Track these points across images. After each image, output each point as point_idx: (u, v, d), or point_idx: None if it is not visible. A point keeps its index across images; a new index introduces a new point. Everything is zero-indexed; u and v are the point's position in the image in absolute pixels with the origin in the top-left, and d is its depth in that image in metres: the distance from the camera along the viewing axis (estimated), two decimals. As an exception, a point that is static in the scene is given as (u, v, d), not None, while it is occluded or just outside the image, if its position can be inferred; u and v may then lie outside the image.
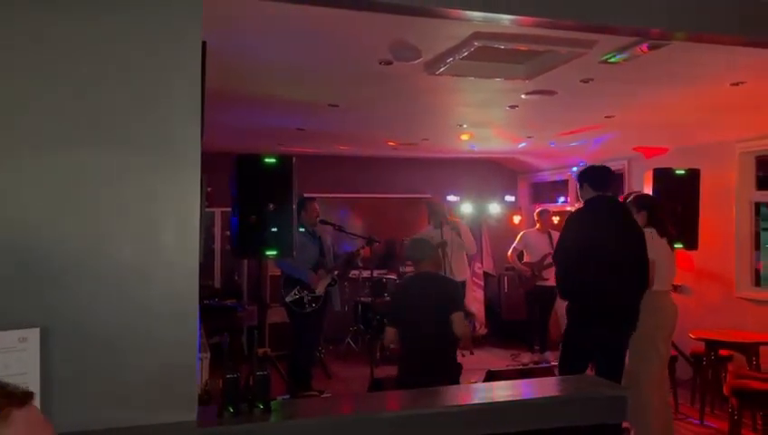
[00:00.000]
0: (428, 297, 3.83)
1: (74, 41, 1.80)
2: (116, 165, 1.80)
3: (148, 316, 1.81)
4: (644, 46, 3.23)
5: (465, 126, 5.91)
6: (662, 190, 5.77)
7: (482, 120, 5.61)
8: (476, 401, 2.23)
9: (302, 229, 5.72)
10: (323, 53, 3.49)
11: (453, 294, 3.88)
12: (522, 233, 7.77)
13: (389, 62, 3.53)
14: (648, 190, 5.89)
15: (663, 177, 5.80)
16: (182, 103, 1.88)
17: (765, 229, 8.87)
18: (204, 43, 2.21)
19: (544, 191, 9.36)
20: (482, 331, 8.63)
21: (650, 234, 4.12)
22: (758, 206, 6.52)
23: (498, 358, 7.80)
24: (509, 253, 7.73)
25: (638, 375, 3.89)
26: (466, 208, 8.87)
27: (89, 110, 1.80)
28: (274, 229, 4.56)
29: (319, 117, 5.38)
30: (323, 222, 5.99)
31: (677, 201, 5.79)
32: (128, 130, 1.82)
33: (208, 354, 4.48)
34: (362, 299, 7.77)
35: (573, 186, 8.70)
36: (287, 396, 5.11)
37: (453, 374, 3.99)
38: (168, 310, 1.84)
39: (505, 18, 2.58)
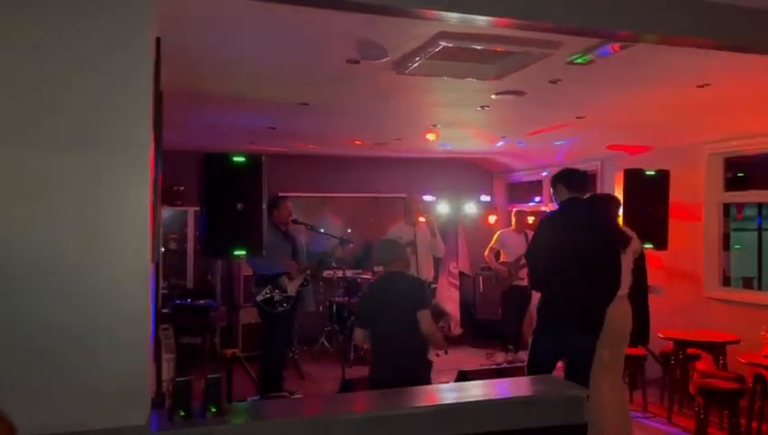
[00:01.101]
0: (397, 297, 3.82)
1: (17, 41, 1.75)
2: (60, 165, 1.76)
3: (94, 318, 1.77)
4: (616, 45, 3.25)
5: (438, 126, 5.90)
6: (633, 191, 5.84)
7: (454, 120, 5.61)
8: (436, 403, 2.22)
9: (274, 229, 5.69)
10: (290, 52, 3.46)
11: (419, 292, 3.87)
12: (498, 232, 7.79)
13: (357, 61, 3.51)
14: (620, 191, 5.95)
15: (633, 178, 5.87)
16: (130, 102, 1.84)
17: (735, 230, 9.02)
18: (158, 40, 2.17)
19: (519, 191, 9.41)
20: (457, 331, 8.63)
21: None
22: (727, 207, 6.62)
23: (473, 357, 7.81)
24: (486, 252, 7.74)
25: (595, 378, 3.89)
26: (442, 208, 8.87)
27: (32, 109, 1.76)
28: (243, 229, 4.53)
29: (290, 116, 5.35)
30: (295, 222, 5.94)
31: (648, 202, 5.85)
32: (72, 129, 1.78)
33: (174, 355, 4.42)
34: (337, 299, 7.75)
35: (548, 186, 8.77)
36: (257, 397, 5.06)
37: (423, 373, 3.99)
38: (116, 312, 1.80)
39: (473, 18, 2.60)
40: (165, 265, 7.75)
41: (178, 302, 7.04)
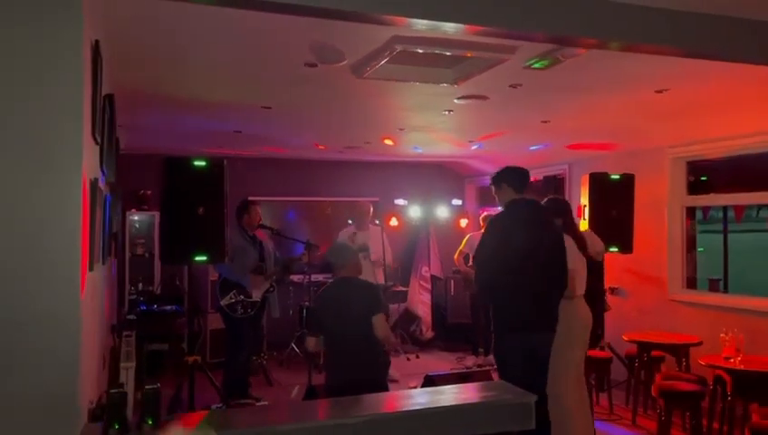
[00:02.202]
0: (348, 303, 3.79)
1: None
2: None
3: (20, 328, 1.71)
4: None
5: (404, 130, 5.89)
6: (598, 195, 5.88)
7: (420, 124, 5.60)
8: (378, 412, 2.19)
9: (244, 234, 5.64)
10: (247, 55, 3.42)
11: (372, 296, 3.84)
12: (468, 236, 7.80)
13: (314, 65, 3.48)
14: (585, 195, 5.99)
15: (598, 181, 5.91)
16: (62, 105, 1.79)
17: (704, 232, 9.13)
18: (97, 43, 2.12)
19: (491, 195, 9.40)
20: (428, 334, 8.63)
21: (566, 239, 4.13)
22: (693, 209, 6.70)
23: (443, 361, 7.80)
24: (455, 256, 7.75)
25: (556, 380, 3.90)
26: (414, 212, 8.87)
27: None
28: (205, 234, 4.46)
29: (254, 119, 5.30)
30: (262, 226, 5.88)
31: (613, 206, 5.90)
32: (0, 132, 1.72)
33: (133, 364, 4.33)
34: (306, 304, 7.68)
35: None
36: (220, 405, 4.99)
37: (380, 376, 3.96)
38: (44, 322, 1.74)
39: (440, 25, 2.60)
40: (132, 271, 7.65)
41: (144, 308, 6.92)
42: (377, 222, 6.92)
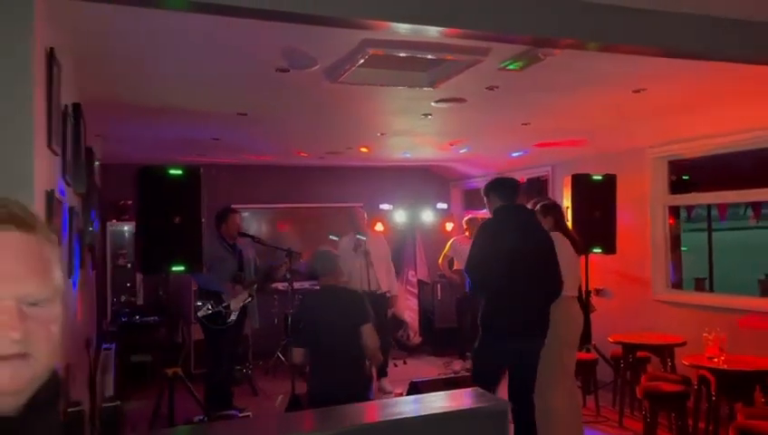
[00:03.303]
0: (334, 311, 3.73)
1: None
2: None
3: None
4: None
5: (385, 134, 5.85)
6: (580, 196, 5.87)
7: (401, 128, 5.57)
8: (351, 425, 2.13)
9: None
10: (218, 60, 3.37)
11: (359, 306, 3.78)
12: (451, 240, 7.76)
13: (286, 70, 3.43)
14: (568, 195, 5.98)
15: (581, 182, 5.91)
16: (7, 116, 1.73)
17: (690, 231, 9.14)
18: (51, 50, 2.07)
19: (476, 198, 9.40)
20: (416, 339, 8.57)
21: (557, 237, 4.12)
22: (677, 209, 6.71)
23: (431, 366, 7.74)
24: (440, 260, 7.71)
25: (547, 381, 3.87)
26: (399, 216, 8.83)
27: None
28: (182, 243, 4.40)
29: (231, 127, 5.24)
30: (242, 235, 5.81)
31: (595, 206, 5.89)
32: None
33: (111, 376, 4.26)
34: (292, 312, 7.60)
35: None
36: (202, 417, 4.91)
37: (364, 387, 3.91)
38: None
39: (422, 29, 2.57)
40: (114, 282, 7.55)
41: (126, 319, 6.83)
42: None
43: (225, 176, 8.17)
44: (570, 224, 5.82)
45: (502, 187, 4.03)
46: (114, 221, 7.56)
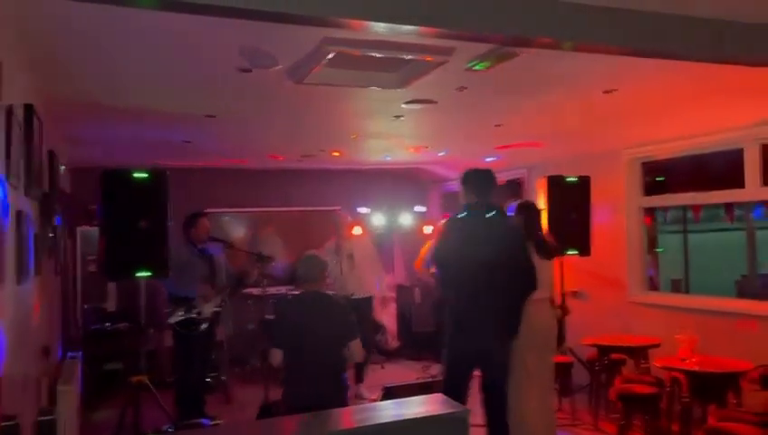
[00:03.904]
0: (317, 320, 3.65)
1: None
2: None
3: None
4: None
5: (358, 137, 5.79)
6: (555, 197, 5.85)
7: (372, 130, 5.51)
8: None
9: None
10: (180, 60, 3.28)
11: (347, 319, 3.72)
12: (429, 243, 7.70)
13: (248, 70, 3.36)
14: (543, 197, 5.95)
15: (555, 184, 5.89)
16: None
17: (667, 233, 9.17)
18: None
19: (455, 201, 9.36)
20: (394, 344, 8.51)
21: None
22: (654, 210, 6.71)
23: (409, 370, 7.68)
24: (416, 262, 7.64)
25: (515, 384, 3.83)
26: (377, 220, 8.78)
27: None
28: (147, 248, 4.31)
29: (201, 129, 5.15)
30: (213, 239, 5.71)
31: (570, 208, 5.88)
32: None
33: (71, 387, 4.13)
34: (269, 317, 7.50)
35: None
36: (170, 427, 4.80)
37: (341, 395, 3.82)
38: None
39: (399, 28, 2.51)
40: (84, 288, 7.40)
41: (95, 326, 6.69)
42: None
43: (200, 179, 8.07)
44: (545, 226, 5.80)
45: (475, 180, 3.96)
46: (84, 226, 7.40)
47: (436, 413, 2.15)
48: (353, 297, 6.21)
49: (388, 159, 7.77)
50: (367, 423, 2.09)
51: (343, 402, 3.76)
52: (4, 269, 2.24)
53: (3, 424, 1.70)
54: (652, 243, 7.55)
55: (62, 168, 5.77)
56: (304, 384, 3.65)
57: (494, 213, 3.93)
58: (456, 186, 9.14)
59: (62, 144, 5.67)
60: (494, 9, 2.61)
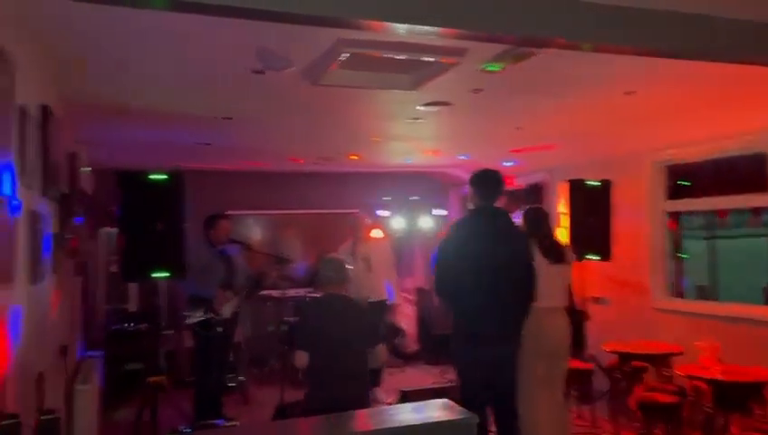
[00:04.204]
0: (339, 323, 3.64)
1: None
2: None
3: None
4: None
5: (378, 140, 5.77)
6: (576, 202, 5.77)
7: (392, 132, 5.48)
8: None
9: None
10: (192, 62, 3.30)
11: (372, 324, 3.74)
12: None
13: (262, 72, 3.36)
14: (564, 201, 5.88)
15: (576, 188, 5.80)
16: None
17: (693, 238, 8.98)
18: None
19: (475, 204, 9.30)
20: (413, 347, 8.47)
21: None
22: (678, 215, 6.57)
23: (427, 375, 7.64)
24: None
25: (524, 393, 3.75)
26: (397, 223, 8.75)
27: None
28: (164, 249, 4.33)
29: (219, 131, 5.18)
30: (232, 241, 5.74)
31: (591, 212, 5.78)
32: None
33: (90, 386, 4.18)
34: (289, 319, 7.52)
35: (502, 198, 8.69)
36: (186, 427, 4.83)
37: (365, 398, 3.78)
38: None
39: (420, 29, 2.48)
40: (107, 289, 7.50)
41: (116, 327, 6.77)
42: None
43: (222, 181, 8.15)
44: (565, 231, 5.72)
45: (479, 183, 3.87)
46: (108, 227, 7.50)
47: (442, 419, 2.11)
48: (370, 300, 6.19)
49: (409, 161, 7.74)
50: (372, 428, 2.06)
51: (365, 406, 3.74)
52: (15, 268, 2.26)
53: (4, 423, 1.71)
54: (677, 248, 7.40)
55: (85, 169, 5.85)
56: (327, 388, 3.62)
57: (497, 217, 3.83)
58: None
59: (84, 146, 5.75)
60: (513, 10, 2.57)
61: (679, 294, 6.70)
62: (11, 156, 2.16)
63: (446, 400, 2.35)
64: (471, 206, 3.91)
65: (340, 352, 3.59)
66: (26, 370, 2.48)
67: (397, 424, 2.08)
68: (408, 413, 2.31)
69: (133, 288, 7.47)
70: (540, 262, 3.84)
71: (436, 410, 2.26)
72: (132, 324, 6.94)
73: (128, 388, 6.43)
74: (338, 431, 2.07)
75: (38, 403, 2.94)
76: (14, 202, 2.16)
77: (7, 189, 2.03)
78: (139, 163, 6.74)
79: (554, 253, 4.04)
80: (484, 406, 3.67)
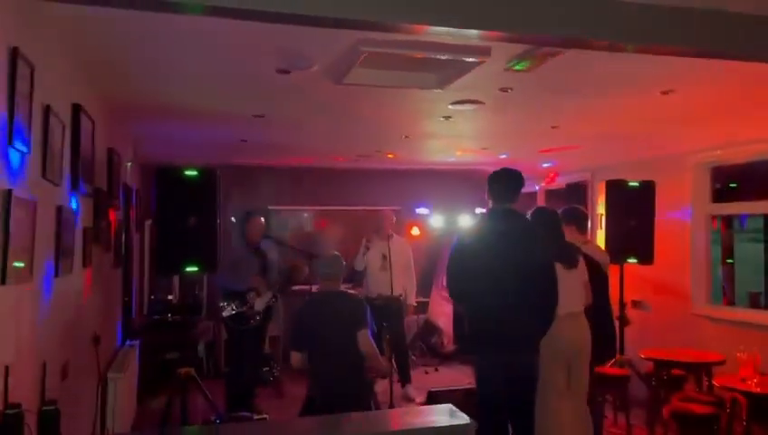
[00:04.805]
0: (330, 317, 3.68)
1: None
2: None
3: None
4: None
5: (409, 137, 5.75)
6: (615, 203, 5.62)
7: (423, 130, 5.45)
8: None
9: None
10: (219, 62, 3.35)
11: (356, 311, 3.71)
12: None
13: (287, 71, 3.39)
14: (602, 203, 5.73)
15: (615, 189, 5.66)
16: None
17: (747, 241, 8.59)
18: (15, 50, 2.08)
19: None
20: (449, 347, 8.41)
21: None
22: (730, 218, 6.32)
23: (462, 375, 7.55)
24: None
25: (542, 400, 3.67)
26: (437, 221, 8.70)
27: None
28: (197, 244, 4.43)
29: (253, 129, 5.26)
30: (267, 236, 5.83)
31: (631, 214, 5.63)
32: None
33: (123, 374, 4.32)
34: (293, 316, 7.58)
35: (542, 198, 8.53)
36: (215, 419, 4.92)
37: (364, 394, 3.81)
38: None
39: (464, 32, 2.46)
40: (152, 281, 7.75)
41: (157, 317, 6.97)
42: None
43: (260, 177, 8.29)
44: (603, 232, 5.58)
45: (494, 184, 3.78)
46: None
47: (442, 424, 2.08)
48: (382, 295, 6.22)
49: (452, 159, 7.69)
50: (367, 432, 2.05)
51: (368, 398, 3.76)
52: (33, 260, 2.34)
53: (7, 412, 1.77)
54: (727, 252, 7.11)
55: (129, 164, 6.04)
56: (325, 382, 3.69)
57: (514, 218, 3.73)
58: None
59: (129, 142, 5.95)
60: (548, 10, 2.51)
61: (729, 300, 6.44)
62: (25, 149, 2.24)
63: (449, 405, 2.32)
64: (488, 206, 3.84)
65: (329, 348, 3.62)
66: (52, 359, 2.58)
67: (392, 429, 2.07)
68: (407, 417, 2.29)
69: (176, 281, 7.68)
70: (555, 267, 3.73)
71: (435, 415, 2.24)
72: (172, 315, 7.13)
73: (164, 377, 6.61)
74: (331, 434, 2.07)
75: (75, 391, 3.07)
76: (32, 200, 2.24)
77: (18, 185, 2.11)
78: (183, 159, 6.92)
79: (568, 257, 3.91)
80: (501, 417, 3.61)
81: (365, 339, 3.62)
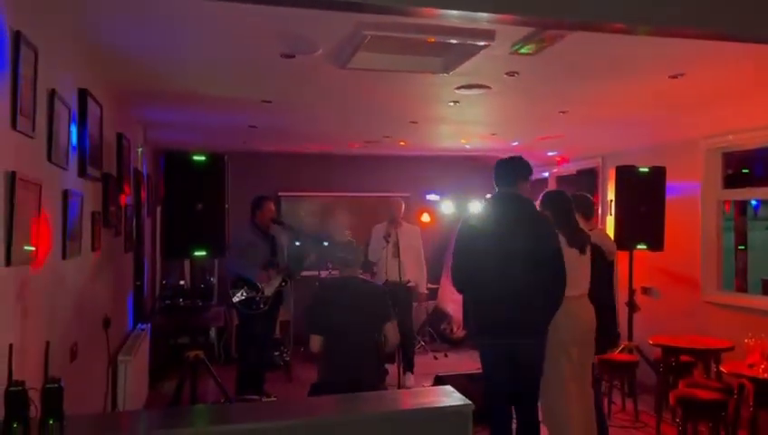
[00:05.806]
0: (350, 303, 3.69)
1: None
2: None
3: None
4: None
5: (416, 122, 5.73)
6: (625, 188, 5.58)
7: (430, 115, 5.43)
8: (311, 417, 2.09)
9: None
10: (223, 46, 3.36)
11: (382, 302, 3.75)
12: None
13: (291, 56, 3.39)
14: (612, 189, 5.69)
15: (625, 174, 5.62)
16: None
17: (759, 230, 8.51)
18: (18, 33, 2.10)
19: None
20: (459, 333, 8.43)
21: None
22: (744, 205, 6.25)
23: (471, 360, 7.57)
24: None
25: (544, 386, 3.68)
26: (447, 207, 8.70)
27: None
28: (204, 229, 4.46)
29: (261, 114, 5.27)
30: (276, 222, 5.86)
31: (642, 200, 5.59)
32: None
33: (130, 357, 4.38)
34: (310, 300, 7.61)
35: (553, 184, 8.48)
36: (223, 401, 4.99)
37: (378, 380, 3.84)
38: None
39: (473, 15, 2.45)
40: (164, 266, 7.84)
41: (169, 302, 7.05)
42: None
43: (272, 163, 8.32)
44: (613, 218, 5.55)
45: (497, 169, 3.80)
46: (163, 206, 7.78)
47: (439, 405, 2.10)
48: (390, 282, 6.24)
49: (465, 146, 7.66)
50: (368, 412, 2.08)
51: (377, 388, 3.78)
52: (39, 243, 2.37)
53: (11, 389, 1.80)
54: (740, 239, 7.05)
55: (140, 150, 6.09)
56: (337, 367, 3.70)
57: (519, 203, 3.72)
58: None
59: (140, 127, 5.99)
60: None
61: (740, 287, 6.39)
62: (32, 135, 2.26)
63: (448, 386, 2.34)
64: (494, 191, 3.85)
65: (348, 333, 3.64)
66: (56, 340, 2.63)
67: (391, 409, 2.09)
68: (404, 398, 2.31)
69: (188, 266, 7.74)
70: (565, 250, 3.72)
71: (432, 396, 2.26)
72: (184, 300, 7.20)
73: (176, 362, 6.69)
74: (330, 415, 2.09)
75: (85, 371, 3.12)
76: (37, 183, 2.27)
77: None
78: (193, 145, 6.97)
79: (581, 241, 3.90)
80: (506, 403, 3.64)
81: (394, 331, 3.71)
